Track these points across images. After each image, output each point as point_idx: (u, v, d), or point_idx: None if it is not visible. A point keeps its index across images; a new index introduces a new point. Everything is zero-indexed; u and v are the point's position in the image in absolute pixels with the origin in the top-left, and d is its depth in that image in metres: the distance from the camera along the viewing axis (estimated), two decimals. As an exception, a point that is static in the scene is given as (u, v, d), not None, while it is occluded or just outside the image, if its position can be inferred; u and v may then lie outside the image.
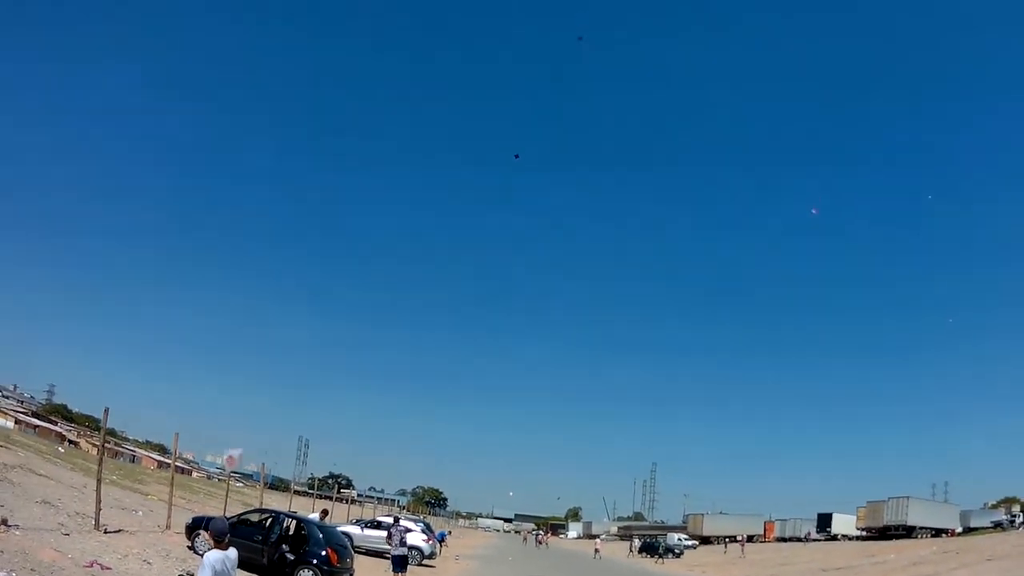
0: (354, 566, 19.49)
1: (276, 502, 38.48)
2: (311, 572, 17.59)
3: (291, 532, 18.92)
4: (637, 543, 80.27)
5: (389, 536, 21.88)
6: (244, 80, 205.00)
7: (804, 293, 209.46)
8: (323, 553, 17.94)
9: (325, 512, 25.55)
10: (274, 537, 18.33)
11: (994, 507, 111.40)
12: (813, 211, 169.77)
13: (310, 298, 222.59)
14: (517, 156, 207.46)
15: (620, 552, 77.41)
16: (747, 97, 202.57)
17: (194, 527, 18.76)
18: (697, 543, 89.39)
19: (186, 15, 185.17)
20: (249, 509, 22.11)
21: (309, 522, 19.79)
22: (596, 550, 63.75)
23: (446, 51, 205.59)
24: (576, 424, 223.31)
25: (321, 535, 18.79)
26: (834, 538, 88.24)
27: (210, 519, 19.75)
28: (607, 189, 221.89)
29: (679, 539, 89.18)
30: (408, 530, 25.49)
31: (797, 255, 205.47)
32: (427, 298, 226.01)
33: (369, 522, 33.52)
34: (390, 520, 29.77)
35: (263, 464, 43.24)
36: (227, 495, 29.70)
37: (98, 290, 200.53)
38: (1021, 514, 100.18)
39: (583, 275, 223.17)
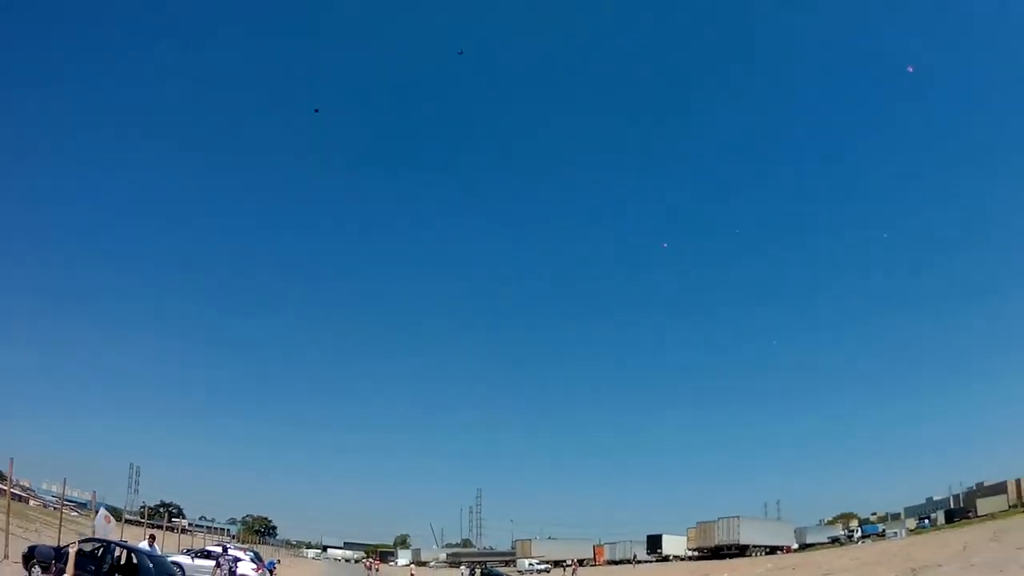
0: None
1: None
2: None
3: (122, 562, 19.10)
4: (466, 571, 78.78)
5: (217, 565, 23.04)
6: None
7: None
8: None
9: (153, 537, 25.95)
10: (106, 567, 18.52)
11: (830, 523, 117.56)
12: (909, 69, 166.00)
13: (141, 321, 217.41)
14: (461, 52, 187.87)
15: None
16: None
17: (30, 556, 19.17)
18: (550, 566, 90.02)
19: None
20: (82, 539, 22.18)
21: (140, 552, 20.06)
22: (373, 571, 65.33)
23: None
24: (402, 449, 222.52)
25: (151, 565, 19.16)
26: (666, 559, 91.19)
27: (39, 548, 20.34)
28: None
29: (530, 564, 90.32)
30: (237, 559, 26.71)
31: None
32: (252, 319, 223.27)
33: (199, 552, 33.83)
34: (219, 550, 31.66)
35: (94, 492, 43.06)
36: (60, 523, 30.28)
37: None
38: (859, 529, 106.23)
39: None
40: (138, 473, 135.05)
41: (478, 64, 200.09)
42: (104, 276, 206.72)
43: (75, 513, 65.82)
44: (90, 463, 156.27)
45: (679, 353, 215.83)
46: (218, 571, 22.79)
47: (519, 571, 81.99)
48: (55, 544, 23.94)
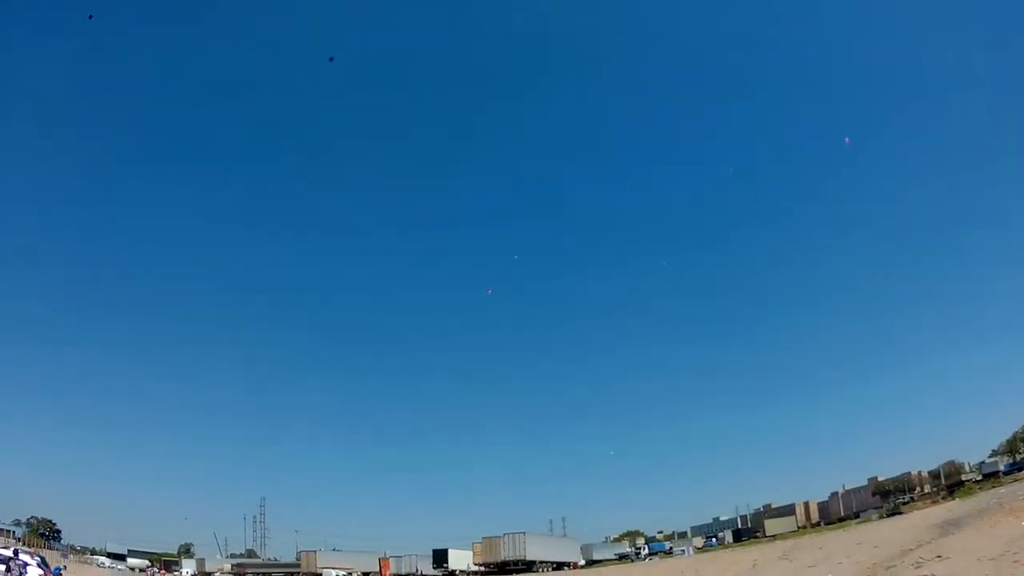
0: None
1: None
2: None
3: None
4: None
5: (8, 570, 22.10)
6: None
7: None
8: None
9: None
10: None
11: (616, 540, 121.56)
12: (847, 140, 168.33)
13: None
14: (332, 59, 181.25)
15: None
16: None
17: None
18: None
19: None
20: None
21: None
22: None
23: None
24: (185, 454, 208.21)
25: None
26: (452, 574, 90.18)
27: None
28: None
29: (336, 574, 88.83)
30: (27, 564, 25.66)
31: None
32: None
33: None
34: (9, 553, 29.79)
35: None
36: None
37: None
38: (646, 546, 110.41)
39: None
40: None
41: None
42: None
43: None
44: None
45: (456, 373, 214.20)
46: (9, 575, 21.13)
47: None
48: None
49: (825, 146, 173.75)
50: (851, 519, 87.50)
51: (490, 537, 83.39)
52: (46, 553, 59.04)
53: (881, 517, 73.72)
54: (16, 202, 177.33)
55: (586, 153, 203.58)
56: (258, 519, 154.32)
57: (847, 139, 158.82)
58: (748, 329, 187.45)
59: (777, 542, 64.01)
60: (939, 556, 25.50)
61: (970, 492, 67.50)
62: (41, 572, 30.41)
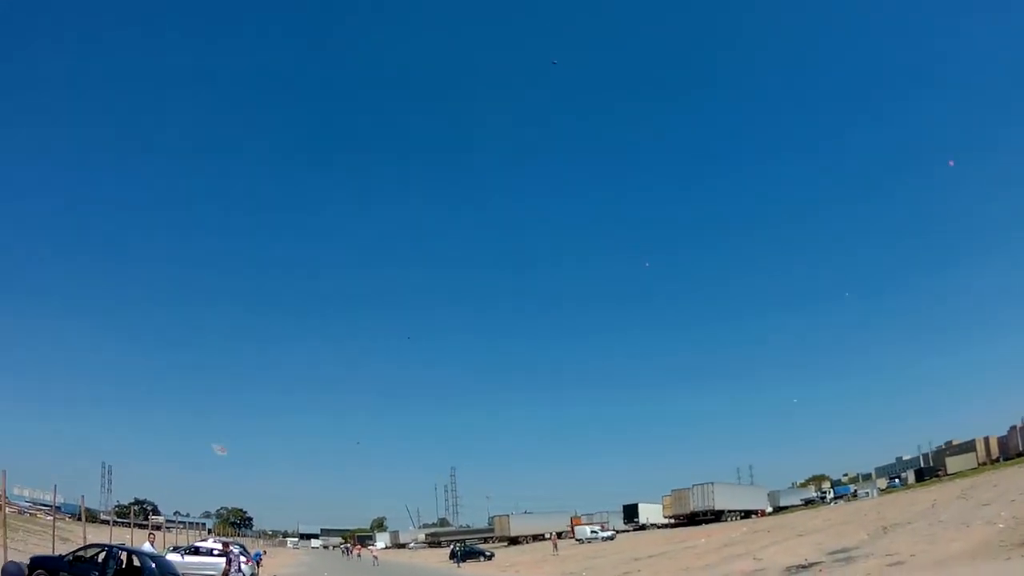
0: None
1: (92, 534, 37.18)
2: None
3: (124, 566, 18.93)
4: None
5: (229, 563, 23.66)
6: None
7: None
8: None
9: (153, 536, 26.10)
10: (110, 572, 18.30)
11: (802, 486, 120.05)
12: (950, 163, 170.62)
13: (98, 319, 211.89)
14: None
15: (433, 559, 76.79)
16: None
17: (32, 567, 18.62)
18: (614, 532, 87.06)
19: None
20: (81, 546, 21.82)
21: (142, 554, 19.86)
22: (374, 557, 64.32)
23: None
24: (373, 432, 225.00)
25: (154, 565, 18.97)
26: (643, 528, 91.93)
27: (44, 558, 19.97)
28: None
29: (592, 531, 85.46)
30: (238, 555, 27.26)
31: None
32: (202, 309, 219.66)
33: (188, 548, 33.66)
34: (209, 545, 32.50)
35: (82, 496, 42.59)
36: (54, 532, 29.25)
37: None
38: (831, 490, 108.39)
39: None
40: (110, 472, 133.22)
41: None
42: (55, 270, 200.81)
43: (49, 517, 64.15)
44: (56, 464, 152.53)
45: (649, 330, 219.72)
46: (230, 568, 23.46)
47: (577, 539, 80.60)
48: (51, 552, 23.86)
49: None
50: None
51: (679, 489, 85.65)
52: (236, 540, 66.67)
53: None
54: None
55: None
56: (449, 488, 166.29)
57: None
58: (930, 273, 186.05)
59: (956, 480, 63.93)
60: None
61: None
62: (245, 559, 33.18)
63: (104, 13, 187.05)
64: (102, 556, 18.87)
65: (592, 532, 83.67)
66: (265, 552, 58.19)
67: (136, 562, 18.92)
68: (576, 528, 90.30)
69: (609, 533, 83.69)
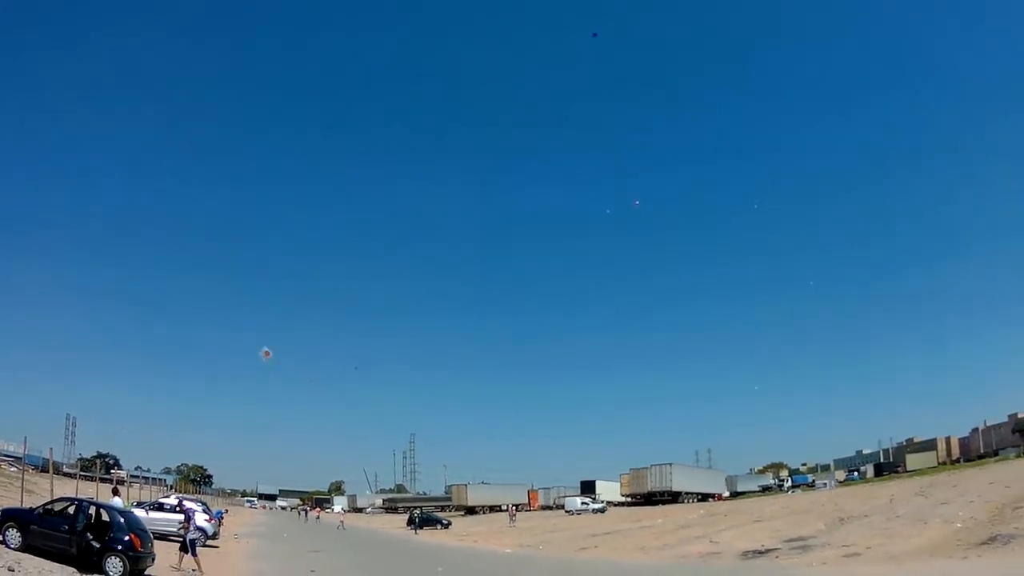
0: (154, 550, 19.46)
1: (58, 488, 36.50)
2: (117, 559, 17.59)
3: (93, 520, 18.65)
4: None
5: (187, 519, 22.81)
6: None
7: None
8: (127, 539, 17.98)
9: (116, 491, 26.11)
10: (80, 526, 18.05)
11: (760, 472, 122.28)
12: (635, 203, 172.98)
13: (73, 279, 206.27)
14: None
15: (389, 524, 76.34)
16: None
17: (3, 520, 18.28)
18: (606, 504, 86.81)
19: None
20: (51, 499, 21.46)
21: (111, 508, 19.61)
22: (341, 521, 64.13)
23: None
24: (333, 396, 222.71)
25: (123, 520, 18.71)
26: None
27: (15, 511, 19.65)
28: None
29: (583, 503, 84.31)
30: (193, 511, 26.68)
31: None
32: (186, 277, 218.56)
33: (152, 504, 33.51)
34: (173, 501, 32.60)
35: (51, 449, 41.67)
36: (23, 485, 29.23)
37: None
38: (789, 478, 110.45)
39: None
40: (74, 424, 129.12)
41: None
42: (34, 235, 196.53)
43: (13, 469, 60.35)
44: (16, 414, 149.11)
45: (616, 310, 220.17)
46: (187, 525, 22.34)
47: (567, 510, 79.81)
48: (19, 504, 23.64)
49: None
50: (990, 456, 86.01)
51: (637, 468, 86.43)
52: (199, 498, 65.97)
53: (1019, 456, 72.66)
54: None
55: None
56: (408, 455, 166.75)
57: None
58: (901, 267, 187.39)
59: (915, 478, 64.98)
60: (1068, 497, 27.71)
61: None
62: (207, 517, 33.48)
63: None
64: (72, 509, 18.63)
65: (583, 503, 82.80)
66: (226, 511, 57.56)
67: (105, 516, 18.64)
68: (566, 500, 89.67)
69: (600, 505, 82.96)
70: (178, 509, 30.07)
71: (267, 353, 47.22)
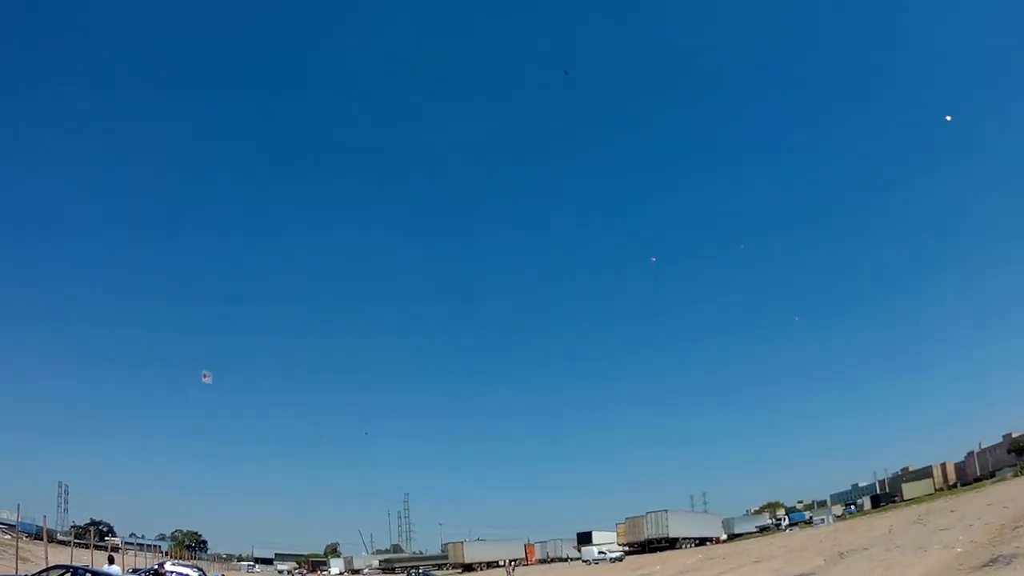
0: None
1: (52, 555, 35.80)
2: None
3: None
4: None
5: None
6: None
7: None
8: None
9: (112, 559, 25.77)
10: None
11: (757, 513, 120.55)
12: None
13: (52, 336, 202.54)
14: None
15: None
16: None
17: None
18: (623, 552, 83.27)
19: None
20: (45, 567, 21.59)
21: (107, 575, 19.92)
22: None
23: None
24: (327, 459, 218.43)
25: None
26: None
27: None
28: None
29: (600, 552, 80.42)
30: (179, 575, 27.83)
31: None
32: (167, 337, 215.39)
33: (148, 571, 33.44)
34: (169, 567, 33.01)
35: (44, 516, 40.93)
36: (17, 553, 28.81)
37: None
38: (786, 517, 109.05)
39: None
40: (66, 491, 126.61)
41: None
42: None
43: (8, 536, 59.52)
44: (9, 481, 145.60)
45: (594, 358, 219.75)
46: None
47: (584, 560, 77.71)
48: (14, 573, 24.91)
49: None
50: (987, 478, 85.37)
51: (633, 517, 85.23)
52: (195, 563, 64.96)
53: (1016, 475, 72.02)
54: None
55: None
56: (402, 514, 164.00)
57: None
58: (876, 299, 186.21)
59: (913, 506, 64.20)
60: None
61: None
62: None
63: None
64: None
65: (600, 553, 79.88)
66: (222, 575, 56.64)
67: None
68: (583, 549, 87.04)
69: (618, 554, 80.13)
70: (156, 573, 30.41)
71: (206, 376, 47.83)
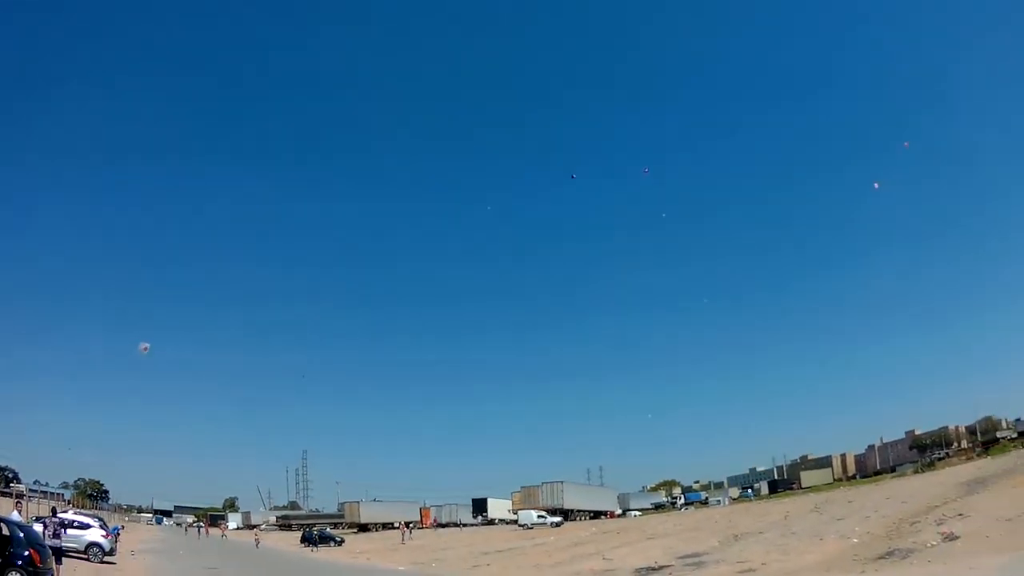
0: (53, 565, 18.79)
1: None
2: (17, 574, 17.13)
3: None
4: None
5: (45, 527, 22.03)
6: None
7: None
8: (26, 554, 17.47)
9: (19, 505, 25.29)
10: None
11: (653, 490, 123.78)
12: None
13: None
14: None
15: (282, 542, 72.55)
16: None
17: None
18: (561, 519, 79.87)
19: None
20: None
21: (11, 522, 18.58)
22: (256, 540, 61.46)
23: None
24: (226, 412, 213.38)
25: (23, 535, 18.05)
26: (491, 522, 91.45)
27: None
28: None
29: (539, 516, 77.50)
30: (63, 523, 25.94)
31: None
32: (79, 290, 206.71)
33: (50, 520, 31.33)
34: (71, 517, 33.04)
35: None
36: None
37: None
38: (682, 496, 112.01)
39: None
40: None
41: None
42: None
43: None
44: None
45: (506, 330, 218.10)
46: (46, 532, 21.57)
47: (520, 524, 74.34)
48: None
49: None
50: (887, 473, 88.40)
51: (528, 486, 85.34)
52: (96, 513, 62.60)
53: (916, 472, 74.36)
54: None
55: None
56: (300, 472, 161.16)
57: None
58: (790, 282, 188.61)
59: (811, 495, 65.83)
60: (960, 514, 27.11)
61: (1004, 450, 68.43)
62: (103, 533, 32.87)
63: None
64: None
65: (539, 516, 76.56)
66: (123, 527, 55.37)
67: (5, 531, 17.76)
68: (520, 512, 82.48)
69: (559, 519, 76.81)
70: (78, 524, 30.78)
71: (145, 348, 46.46)
